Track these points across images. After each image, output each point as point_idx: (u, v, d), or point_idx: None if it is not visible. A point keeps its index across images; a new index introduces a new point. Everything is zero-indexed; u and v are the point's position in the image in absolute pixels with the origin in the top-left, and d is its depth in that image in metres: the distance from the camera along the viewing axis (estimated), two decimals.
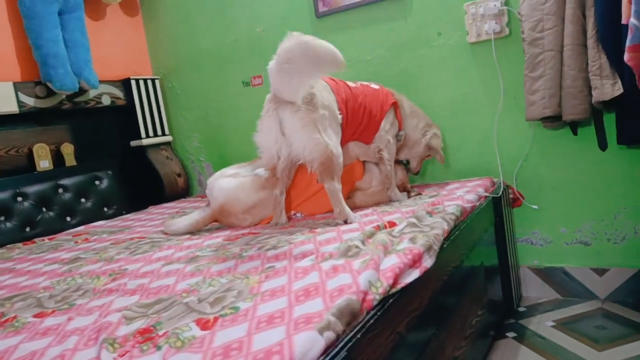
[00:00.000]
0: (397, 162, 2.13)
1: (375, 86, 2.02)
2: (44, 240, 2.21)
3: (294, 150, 1.69)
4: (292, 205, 1.98)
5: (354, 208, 1.86)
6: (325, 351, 0.83)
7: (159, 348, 0.87)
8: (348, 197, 1.93)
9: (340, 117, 1.77)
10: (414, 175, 2.25)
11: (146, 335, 0.94)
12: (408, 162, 2.22)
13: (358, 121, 1.89)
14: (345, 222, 1.70)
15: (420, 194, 2.08)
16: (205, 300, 1.07)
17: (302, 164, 1.76)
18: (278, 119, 1.68)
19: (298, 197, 1.98)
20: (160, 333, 0.93)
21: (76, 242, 2.05)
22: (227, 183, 1.93)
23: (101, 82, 2.76)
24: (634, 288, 2.11)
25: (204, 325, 0.94)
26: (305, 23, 2.65)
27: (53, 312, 1.18)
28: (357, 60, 2.55)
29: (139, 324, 1.00)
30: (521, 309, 2.21)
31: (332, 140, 1.69)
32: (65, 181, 2.56)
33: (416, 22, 2.40)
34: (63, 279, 1.48)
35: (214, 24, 2.97)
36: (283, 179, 1.83)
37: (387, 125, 1.99)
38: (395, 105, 2.04)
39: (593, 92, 1.89)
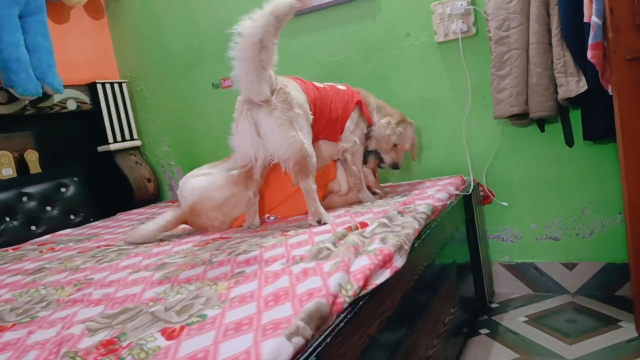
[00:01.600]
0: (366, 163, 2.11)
1: (341, 87, 2.00)
2: (7, 250, 2.13)
3: (269, 150, 1.68)
4: (265, 208, 1.96)
5: (328, 209, 1.85)
6: (294, 357, 0.81)
7: None
8: (322, 199, 1.92)
9: (311, 116, 1.77)
10: (395, 170, 2.17)
11: (110, 347, 0.90)
12: (381, 161, 2.18)
13: (325, 121, 1.88)
14: (319, 222, 1.68)
15: (392, 193, 2.06)
16: (172, 309, 1.04)
17: (276, 165, 1.75)
18: (253, 120, 1.66)
19: (272, 200, 1.96)
20: (124, 344, 0.90)
21: (41, 251, 1.99)
22: (198, 182, 1.90)
23: (66, 86, 2.69)
24: (602, 281, 2.15)
25: (169, 334, 0.91)
26: None
27: (13, 325, 1.13)
28: (328, 61, 2.54)
29: (103, 335, 0.97)
30: (494, 305, 2.23)
31: (307, 140, 1.69)
32: (30, 189, 2.49)
33: (385, 22, 2.40)
34: (26, 290, 1.42)
35: (181, 25, 2.92)
36: (259, 181, 1.82)
37: (351, 126, 1.96)
38: (360, 104, 2.01)
39: (559, 90, 1.92)
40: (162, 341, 0.89)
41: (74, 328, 1.03)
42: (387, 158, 2.11)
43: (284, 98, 1.66)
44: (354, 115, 1.98)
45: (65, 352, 0.90)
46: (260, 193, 1.89)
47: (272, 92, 1.64)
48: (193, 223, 1.92)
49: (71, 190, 2.66)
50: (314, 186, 1.71)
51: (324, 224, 1.67)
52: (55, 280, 1.48)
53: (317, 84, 1.91)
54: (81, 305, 1.20)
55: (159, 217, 1.91)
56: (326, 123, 1.89)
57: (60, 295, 1.32)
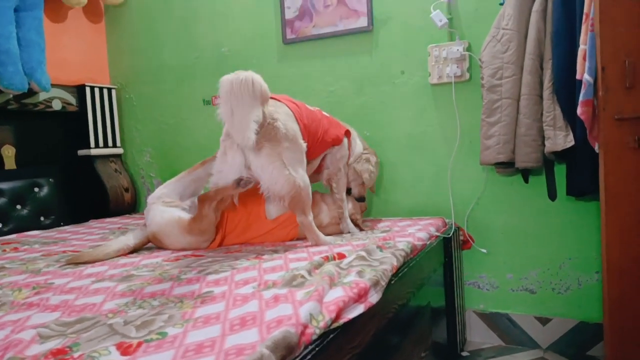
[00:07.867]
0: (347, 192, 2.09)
1: (326, 114, 2.00)
2: None
3: (263, 186, 1.64)
4: (246, 238, 1.89)
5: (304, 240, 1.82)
6: None
7: None
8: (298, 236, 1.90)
9: (305, 145, 1.72)
10: (359, 201, 2.14)
11: (59, 357, 0.85)
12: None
13: (316, 144, 1.85)
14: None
15: (372, 228, 2.05)
16: (132, 323, 0.99)
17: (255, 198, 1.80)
18: (242, 154, 1.63)
19: (250, 233, 1.90)
20: (76, 355, 0.85)
21: (4, 250, 1.91)
22: (160, 216, 1.81)
23: (54, 85, 2.65)
24: (575, 339, 2.12)
25: (125, 350, 0.85)
26: (272, 48, 2.64)
27: None
28: (321, 90, 2.54)
29: (54, 344, 0.91)
30: (464, 354, 2.18)
31: (299, 173, 1.66)
32: (2, 185, 2.41)
33: (381, 58, 2.42)
34: None
35: (178, 38, 2.91)
36: (212, 228, 1.80)
37: (337, 154, 1.97)
38: (348, 134, 2.02)
39: (546, 142, 1.93)
40: (116, 356, 0.83)
41: (24, 333, 0.97)
42: (356, 190, 2.12)
43: (273, 134, 1.61)
44: (345, 144, 1.99)
45: (10, 357, 0.84)
46: (237, 225, 1.86)
47: (260, 128, 1.57)
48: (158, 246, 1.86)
49: (45, 190, 2.58)
50: (310, 218, 1.72)
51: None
52: (14, 281, 1.41)
53: (309, 107, 1.91)
54: (37, 310, 1.14)
55: (121, 238, 1.82)
56: (317, 145, 1.87)
57: (17, 297, 1.25)
